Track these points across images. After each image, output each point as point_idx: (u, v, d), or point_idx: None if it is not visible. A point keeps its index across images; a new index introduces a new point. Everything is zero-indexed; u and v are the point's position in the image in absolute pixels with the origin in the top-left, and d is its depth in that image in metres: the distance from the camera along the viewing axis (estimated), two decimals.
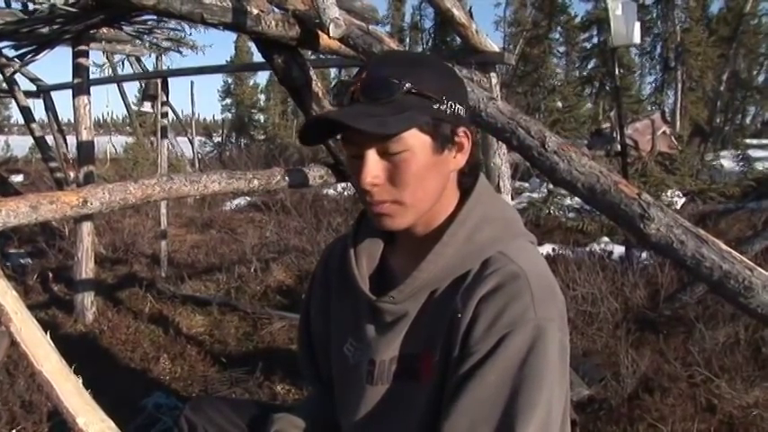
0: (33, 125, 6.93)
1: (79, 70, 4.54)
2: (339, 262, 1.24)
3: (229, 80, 27.02)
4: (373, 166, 1.03)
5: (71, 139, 5.42)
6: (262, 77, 28.38)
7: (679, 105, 15.31)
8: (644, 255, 5.01)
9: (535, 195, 8.42)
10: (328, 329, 1.28)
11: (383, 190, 1.04)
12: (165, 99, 6.28)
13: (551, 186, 7.36)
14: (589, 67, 17.99)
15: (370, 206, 1.06)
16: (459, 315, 1.02)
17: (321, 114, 1.08)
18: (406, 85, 1.00)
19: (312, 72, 2.53)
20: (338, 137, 1.08)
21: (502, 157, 3.12)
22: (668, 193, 7.39)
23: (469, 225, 1.07)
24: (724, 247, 1.67)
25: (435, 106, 1.02)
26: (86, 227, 4.41)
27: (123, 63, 11.00)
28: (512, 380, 0.96)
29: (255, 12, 2.21)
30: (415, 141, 1.02)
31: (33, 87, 6.84)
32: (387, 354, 1.12)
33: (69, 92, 4.77)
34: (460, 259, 1.06)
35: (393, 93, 1.00)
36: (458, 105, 1.04)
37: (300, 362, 1.41)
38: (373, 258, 1.19)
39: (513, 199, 4.08)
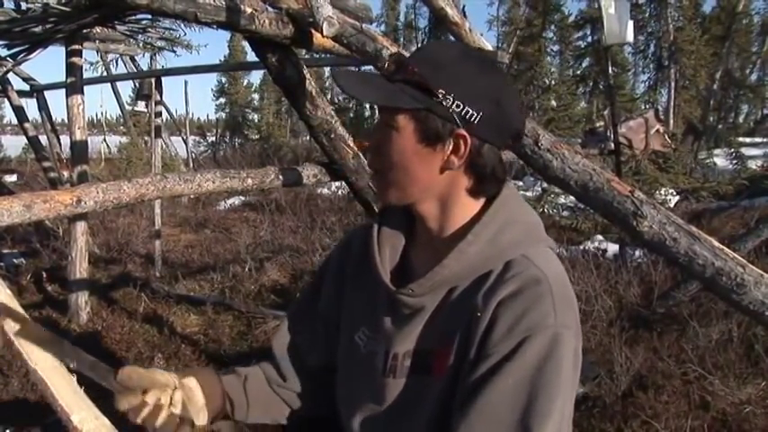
0: (27, 125, 6.90)
1: (72, 70, 4.53)
2: (360, 250, 1.25)
3: (223, 79, 26.96)
4: (376, 131, 1.11)
5: (65, 139, 5.39)
6: (256, 77, 28.33)
7: (672, 104, 15.32)
8: (638, 253, 5.02)
9: (529, 194, 8.43)
10: (338, 315, 1.28)
11: (375, 157, 1.12)
12: (158, 98, 6.26)
13: (545, 185, 7.37)
14: (583, 65, 18.01)
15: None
16: (479, 314, 1.02)
17: (336, 72, 1.15)
18: (414, 71, 1.04)
19: (306, 71, 2.52)
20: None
21: None
22: (662, 192, 7.41)
23: (493, 227, 1.07)
24: (716, 244, 1.68)
25: (436, 100, 1.03)
26: (80, 226, 4.39)
27: (117, 62, 10.99)
28: (529, 385, 0.96)
29: (249, 10, 2.20)
30: (404, 124, 1.05)
31: (26, 87, 6.82)
32: (402, 347, 1.12)
33: (63, 91, 4.76)
34: (483, 259, 1.06)
35: (399, 74, 1.06)
36: (468, 108, 1.03)
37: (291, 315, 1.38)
38: (395, 250, 1.20)
39: None
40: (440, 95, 1.02)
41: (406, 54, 1.14)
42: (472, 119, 1.03)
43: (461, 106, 1.03)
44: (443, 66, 1.04)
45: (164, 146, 10.69)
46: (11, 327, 1.21)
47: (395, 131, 1.06)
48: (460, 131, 1.04)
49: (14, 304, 1.26)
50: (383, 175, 1.11)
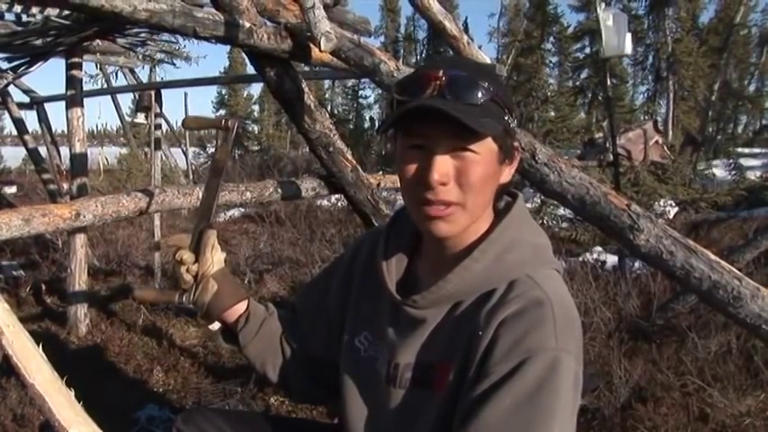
0: (26, 136, 6.91)
1: (72, 82, 4.54)
2: (369, 256, 1.26)
3: (223, 91, 27.09)
4: (444, 162, 1.00)
5: (64, 151, 5.40)
6: (255, 88, 28.48)
7: (671, 115, 15.40)
8: (637, 264, 5.02)
9: (528, 205, 8.41)
10: (342, 315, 1.29)
11: (449, 190, 1.01)
12: (158, 110, 6.27)
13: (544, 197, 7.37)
14: (582, 76, 18.09)
15: (428, 206, 1.03)
16: (480, 333, 1.01)
17: (420, 103, 0.98)
18: (491, 90, 1.00)
19: (304, 84, 2.54)
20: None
21: None
22: (661, 203, 7.42)
23: (500, 245, 1.07)
24: (713, 257, 1.69)
25: (506, 117, 1.03)
26: (80, 239, 4.39)
27: (116, 74, 11.01)
28: (528, 406, 0.95)
29: (248, 25, 2.22)
30: (487, 148, 1.01)
31: (27, 99, 6.83)
32: (403, 358, 1.13)
33: (62, 103, 4.77)
34: (487, 277, 1.06)
35: (480, 95, 1.00)
36: (515, 120, 1.06)
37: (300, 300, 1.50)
38: (402, 260, 1.20)
39: None
40: (507, 112, 1.03)
41: (437, 70, 1.02)
42: (516, 128, 1.06)
43: (513, 119, 1.05)
44: (496, 81, 1.03)
45: (163, 157, 10.69)
46: (8, 341, 1.21)
47: (478, 157, 1.01)
48: (517, 145, 1.07)
49: (12, 318, 1.26)
50: (462, 208, 1.04)
